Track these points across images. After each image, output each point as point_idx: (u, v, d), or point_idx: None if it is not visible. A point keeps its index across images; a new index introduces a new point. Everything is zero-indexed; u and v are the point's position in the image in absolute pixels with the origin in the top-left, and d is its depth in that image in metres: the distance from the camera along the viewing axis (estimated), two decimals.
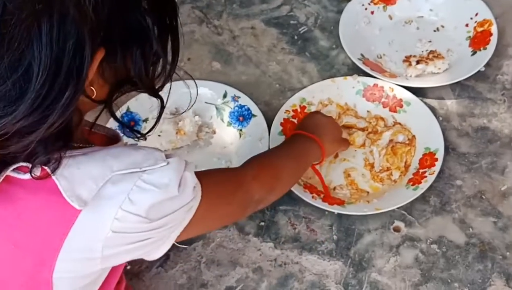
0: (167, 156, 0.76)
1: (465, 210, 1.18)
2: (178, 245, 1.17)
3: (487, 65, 1.36)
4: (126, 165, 0.71)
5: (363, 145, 1.27)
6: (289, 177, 1.10)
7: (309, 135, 1.14)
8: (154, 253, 0.80)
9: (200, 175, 0.82)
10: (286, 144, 1.16)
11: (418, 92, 1.32)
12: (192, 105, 1.07)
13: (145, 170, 0.72)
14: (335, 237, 1.18)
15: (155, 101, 1.31)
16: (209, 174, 0.95)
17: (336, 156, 1.27)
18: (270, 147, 1.23)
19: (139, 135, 0.83)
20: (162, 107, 0.83)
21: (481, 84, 1.35)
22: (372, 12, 1.46)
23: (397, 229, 1.17)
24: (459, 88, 1.35)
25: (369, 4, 1.46)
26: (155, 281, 1.16)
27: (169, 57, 0.77)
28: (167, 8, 0.72)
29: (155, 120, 1.19)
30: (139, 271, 1.17)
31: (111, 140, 0.88)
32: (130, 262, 1.15)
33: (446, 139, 1.27)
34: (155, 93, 0.80)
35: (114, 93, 0.76)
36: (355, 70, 1.37)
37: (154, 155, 0.74)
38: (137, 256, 0.79)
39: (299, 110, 1.30)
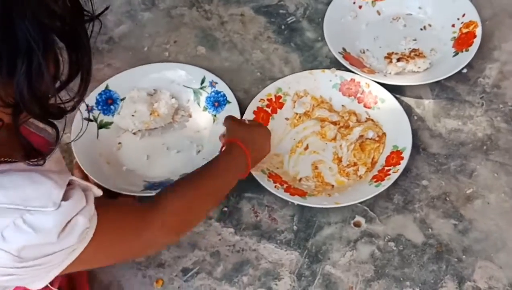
0: (68, 195, 0.72)
1: (427, 210, 1.18)
2: None
3: (470, 67, 1.35)
4: (12, 200, 0.67)
5: (334, 139, 1.27)
6: (208, 204, 1.05)
7: (244, 150, 1.09)
8: (31, 286, 0.76)
9: (101, 210, 0.78)
10: (214, 162, 1.09)
11: (396, 89, 1.32)
12: None
13: (29, 210, 0.68)
14: (295, 227, 1.18)
15: (135, 81, 1.33)
16: (113, 209, 0.88)
17: (307, 148, 1.27)
18: None
19: (40, 162, 0.72)
20: (58, 137, 0.75)
21: (461, 86, 1.34)
22: (360, 7, 1.45)
23: (357, 224, 1.18)
24: (439, 88, 1.34)
25: None
26: None
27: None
28: (66, 19, 0.65)
29: (133, 99, 1.22)
30: None
31: (48, 144, 0.84)
32: None
33: (418, 139, 1.26)
34: (47, 120, 0.70)
35: (17, 115, 0.66)
36: (337, 64, 1.37)
37: (48, 195, 0.70)
38: (10, 287, 0.77)
39: (273, 99, 1.31)
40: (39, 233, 0.68)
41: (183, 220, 0.98)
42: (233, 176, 1.09)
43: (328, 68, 1.36)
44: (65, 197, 0.72)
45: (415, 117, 1.30)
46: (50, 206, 0.69)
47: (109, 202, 1.00)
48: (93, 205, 0.77)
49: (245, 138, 1.11)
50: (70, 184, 0.75)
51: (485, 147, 1.25)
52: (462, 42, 1.34)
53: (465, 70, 1.35)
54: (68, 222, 0.72)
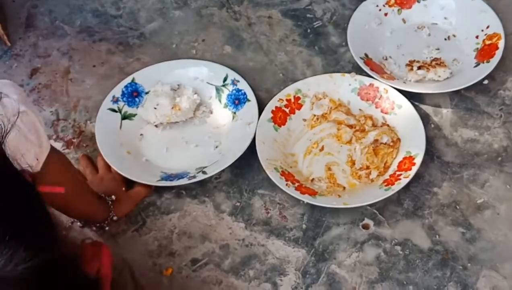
0: None
1: (436, 217, 1.19)
2: None
3: (491, 78, 1.35)
4: None
5: (350, 141, 1.29)
6: None
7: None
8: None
9: None
10: None
11: (415, 97, 1.33)
12: None
13: None
14: (304, 226, 1.21)
15: (161, 75, 1.38)
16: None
17: (322, 149, 1.29)
18: (257, 132, 1.27)
19: None
20: None
21: (480, 97, 1.34)
22: (386, 14, 1.47)
23: (365, 227, 1.19)
24: (458, 98, 1.35)
25: (383, 5, 1.47)
26: (128, 243, 1.22)
27: None
28: None
29: (156, 93, 1.26)
30: (116, 233, 1.23)
31: None
32: (108, 224, 1.21)
33: (433, 147, 1.27)
34: None
35: None
36: (358, 70, 1.38)
37: None
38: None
39: (292, 100, 1.34)
40: None
41: None
42: None
43: (349, 72, 1.38)
44: None
45: (432, 125, 1.31)
46: None
47: None
48: None
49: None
50: None
51: (500, 159, 1.25)
52: (484, 53, 1.35)
53: (486, 82, 1.35)
54: None
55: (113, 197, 1.21)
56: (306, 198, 1.18)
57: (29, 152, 0.87)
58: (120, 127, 1.35)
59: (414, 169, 1.18)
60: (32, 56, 1.54)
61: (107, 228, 1.22)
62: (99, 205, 1.19)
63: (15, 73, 1.50)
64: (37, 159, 0.88)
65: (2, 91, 0.84)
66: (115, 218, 1.20)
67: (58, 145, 1.37)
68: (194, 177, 1.23)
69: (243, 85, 1.36)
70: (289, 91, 1.34)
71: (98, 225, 1.20)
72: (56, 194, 0.94)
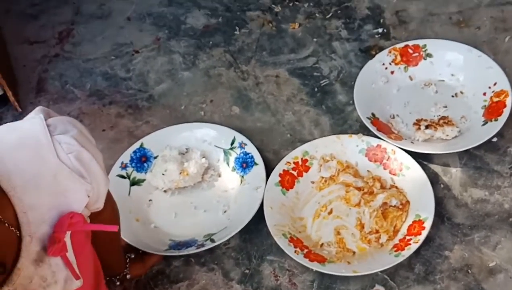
0: None
1: (448, 282, 1.17)
2: None
3: (500, 136, 1.35)
4: None
5: (358, 204, 1.28)
6: None
7: None
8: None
9: None
10: None
11: (424, 156, 1.32)
12: None
13: None
14: None
15: (169, 139, 1.38)
16: None
17: (331, 212, 1.29)
18: (265, 197, 1.27)
19: None
20: None
21: (490, 155, 1.33)
22: (393, 72, 1.47)
23: None
24: (467, 156, 1.34)
25: (390, 63, 1.47)
26: None
27: None
28: None
29: (164, 158, 1.26)
30: None
31: None
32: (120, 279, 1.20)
33: (443, 208, 1.26)
34: None
35: None
36: (366, 128, 1.38)
37: None
38: None
39: (300, 162, 1.33)
40: None
41: None
42: None
43: (358, 132, 1.38)
44: None
45: (442, 185, 1.30)
46: None
47: None
48: None
49: None
50: None
51: (511, 219, 1.23)
52: (492, 111, 1.34)
53: (495, 139, 1.34)
54: None
55: (132, 255, 1.21)
56: (315, 266, 1.17)
57: (80, 190, 0.84)
58: (129, 193, 1.36)
59: (424, 233, 1.17)
60: None
61: (118, 283, 1.20)
62: (121, 257, 1.18)
63: None
64: (88, 196, 0.86)
65: (60, 127, 0.84)
66: (128, 276, 1.19)
67: None
68: (202, 245, 1.23)
69: (251, 148, 1.37)
70: (297, 153, 1.34)
71: (109, 278, 1.18)
72: (106, 233, 0.93)
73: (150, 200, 1.36)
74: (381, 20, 1.64)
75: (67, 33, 1.77)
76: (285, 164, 1.33)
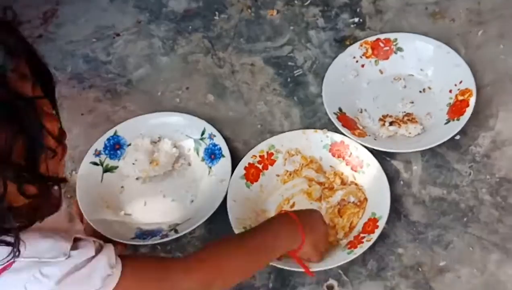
0: (76, 246, 0.84)
1: (399, 280, 1.22)
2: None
3: (463, 133, 1.37)
4: (31, 254, 0.79)
5: (319, 199, 1.32)
6: (246, 265, 1.07)
7: (294, 218, 1.12)
8: None
9: (129, 260, 0.90)
10: (258, 228, 1.14)
11: (389, 152, 1.36)
12: None
13: (44, 261, 0.80)
14: (271, 285, 1.25)
15: (142, 127, 1.43)
16: (140, 260, 1.02)
17: (293, 205, 1.33)
18: (229, 190, 1.32)
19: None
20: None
21: (451, 153, 1.36)
22: (363, 65, 1.49)
23: (330, 287, 1.23)
24: (429, 154, 1.37)
25: (360, 57, 1.49)
26: None
27: None
28: None
29: (136, 147, 1.31)
30: None
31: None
32: None
33: (401, 205, 1.30)
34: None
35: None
36: (333, 123, 1.41)
37: (58, 246, 0.82)
38: None
39: (265, 156, 1.38)
40: (54, 281, 0.79)
41: (211, 272, 1.00)
42: (281, 244, 1.11)
43: (326, 125, 1.42)
44: (73, 248, 0.84)
45: (402, 182, 1.34)
46: (61, 257, 0.81)
47: (139, 255, 1.16)
48: (113, 254, 0.89)
49: (300, 214, 1.15)
50: (77, 239, 0.87)
51: (465, 219, 1.27)
52: (455, 109, 1.37)
53: (458, 137, 1.37)
54: (83, 267, 0.84)
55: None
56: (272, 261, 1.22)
57: None
58: (102, 180, 1.41)
59: (377, 232, 1.22)
60: None
61: None
62: None
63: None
64: None
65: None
66: None
67: None
68: (166, 235, 1.28)
69: (219, 140, 1.41)
70: (263, 147, 1.38)
71: None
72: None
73: (122, 187, 1.42)
74: (358, 9, 1.65)
75: (52, 14, 1.80)
76: (251, 157, 1.37)
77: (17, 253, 0.76)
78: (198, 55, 1.65)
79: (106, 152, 1.44)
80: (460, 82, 1.40)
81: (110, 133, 1.45)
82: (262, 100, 1.53)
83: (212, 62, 1.63)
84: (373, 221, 1.25)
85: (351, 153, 1.34)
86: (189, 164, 1.43)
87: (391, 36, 1.50)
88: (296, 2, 1.70)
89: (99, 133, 1.49)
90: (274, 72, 1.58)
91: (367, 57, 1.49)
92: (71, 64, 1.68)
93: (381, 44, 1.49)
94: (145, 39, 1.70)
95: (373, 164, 1.31)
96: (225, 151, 1.39)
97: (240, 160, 1.37)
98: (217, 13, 1.71)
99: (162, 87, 1.59)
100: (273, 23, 1.67)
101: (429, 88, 1.45)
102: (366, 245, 1.21)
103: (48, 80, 0.83)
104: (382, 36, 1.50)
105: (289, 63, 1.59)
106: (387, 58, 1.50)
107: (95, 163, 1.42)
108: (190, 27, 1.70)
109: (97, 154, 1.43)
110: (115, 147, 1.44)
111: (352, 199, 1.28)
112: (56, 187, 0.83)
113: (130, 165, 1.39)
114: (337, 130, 1.38)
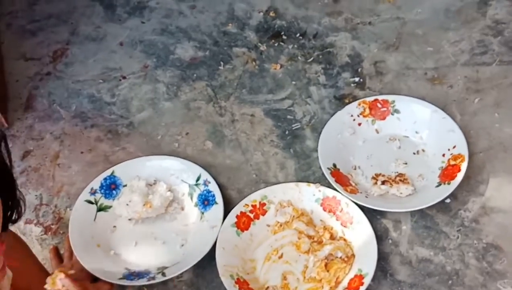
0: None
1: None
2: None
3: (454, 197, 1.39)
4: None
5: (308, 252, 1.34)
6: None
7: None
8: None
9: None
10: None
11: (379, 211, 1.38)
12: None
13: None
14: None
15: (139, 169, 1.45)
16: None
17: (281, 256, 1.35)
18: (219, 236, 1.33)
19: None
20: None
21: (441, 216, 1.38)
22: (360, 124, 1.53)
23: None
24: (419, 214, 1.39)
25: (358, 115, 1.53)
26: None
27: None
28: None
29: (132, 188, 1.33)
30: None
31: None
32: None
33: (388, 264, 1.32)
34: None
35: None
36: (326, 177, 1.43)
37: None
38: None
39: (258, 206, 1.40)
40: None
41: None
42: None
43: (320, 179, 1.44)
44: None
45: (390, 241, 1.35)
46: None
47: None
48: None
49: None
50: None
51: (450, 282, 1.28)
52: (447, 173, 1.39)
53: (448, 200, 1.39)
54: None
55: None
56: None
57: None
58: (95, 219, 1.43)
59: (362, 289, 1.23)
60: (26, 138, 1.65)
61: None
62: None
63: None
64: None
65: None
66: None
67: (37, 230, 1.45)
68: (153, 278, 1.29)
69: (214, 187, 1.43)
70: (255, 197, 1.40)
71: None
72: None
73: (114, 226, 1.43)
74: (359, 70, 1.69)
75: (62, 52, 1.85)
76: (243, 206, 1.39)
77: None
78: (201, 102, 1.69)
79: (102, 191, 1.46)
80: (454, 147, 1.43)
81: (107, 173, 1.48)
82: (259, 150, 1.56)
83: (214, 110, 1.66)
84: (359, 277, 1.26)
85: (342, 209, 1.36)
86: (182, 209, 1.45)
87: (389, 97, 1.54)
88: (299, 58, 1.74)
89: (97, 172, 1.52)
90: (273, 124, 1.61)
91: (364, 116, 1.53)
92: (76, 102, 1.72)
93: (379, 105, 1.53)
94: (150, 84, 1.74)
95: (363, 221, 1.33)
96: (219, 198, 1.41)
97: (233, 208, 1.39)
98: (222, 63, 1.76)
99: (163, 131, 1.63)
100: (276, 77, 1.71)
101: (423, 150, 1.48)
102: None
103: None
104: (380, 97, 1.54)
105: (288, 116, 1.62)
106: (383, 119, 1.53)
107: (90, 202, 1.44)
108: (194, 75, 1.74)
109: (93, 192, 1.45)
110: (111, 187, 1.47)
111: (339, 254, 1.30)
112: None
113: (124, 205, 1.41)
114: (330, 185, 1.40)
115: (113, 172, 1.48)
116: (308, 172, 1.50)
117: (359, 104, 1.54)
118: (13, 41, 1.87)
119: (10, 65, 1.81)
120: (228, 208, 1.41)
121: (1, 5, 1.96)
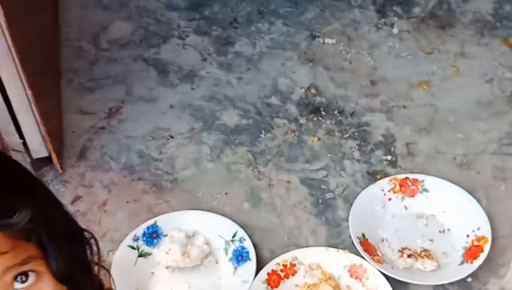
0: None
1: None
2: None
3: (475, 277, 1.47)
4: None
5: None
6: None
7: None
8: None
9: None
10: None
11: (402, 281, 1.45)
12: None
13: None
14: None
15: (180, 222, 1.56)
16: None
17: None
18: None
19: None
20: None
21: None
22: (390, 199, 1.62)
23: None
24: (441, 289, 1.46)
25: (388, 191, 1.63)
26: None
27: None
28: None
29: (172, 239, 1.42)
30: None
31: None
32: None
33: None
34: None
35: None
36: (355, 246, 1.52)
37: None
38: None
39: (288, 266, 1.49)
40: None
41: None
42: None
43: (349, 247, 1.53)
44: None
45: None
46: None
47: None
48: None
49: None
50: None
51: None
52: (470, 253, 1.47)
53: (469, 279, 1.46)
54: None
55: None
56: None
57: None
58: (135, 263, 1.53)
59: None
60: (78, 185, 1.77)
61: None
62: None
63: (59, 198, 1.72)
64: None
65: None
66: None
67: None
68: None
69: (248, 244, 1.53)
70: (287, 257, 1.49)
71: None
72: None
73: (152, 272, 1.53)
74: (392, 149, 1.80)
75: (116, 110, 1.99)
76: (275, 264, 1.48)
77: None
78: (241, 165, 1.80)
79: (144, 238, 1.56)
80: (478, 228, 1.51)
81: (150, 222, 1.59)
82: (292, 215, 1.66)
83: (253, 174, 1.78)
84: None
85: (368, 277, 1.45)
86: (217, 262, 1.54)
87: (419, 177, 1.64)
88: (336, 133, 1.86)
89: (140, 221, 1.62)
90: (308, 192, 1.72)
91: (394, 192, 1.63)
92: (126, 156, 1.84)
93: (409, 183, 1.63)
94: (195, 145, 1.87)
95: None
96: (252, 255, 1.50)
97: (264, 266, 1.48)
98: (263, 131, 1.89)
99: (204, 189, 1.74)
100: (313, 148, 1.83)
101: (448, 229, 1.57)
102: None
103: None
104: (411, 176, 1.64)
105: (322, 186, 1.73)
106: (413, 196, 1.63)
107: (132, 247, 1.55)
108: (237, 140, 1.87)
109: (136, 239, 1.56)
110: (153, 235, 1.57)
111: None
112: None
113: (163, 253, 1.51)
114: (358, 254, 1.49)
115: (155, 222, 1.59)
116: (338, 240, 1.59)
117: (390, 180, 1.64)
118: (73, 96, 2.03)
119: (68, 118, 1.96)
120: (259, 266, 1.49)
121: (64, 62, 2.13)
